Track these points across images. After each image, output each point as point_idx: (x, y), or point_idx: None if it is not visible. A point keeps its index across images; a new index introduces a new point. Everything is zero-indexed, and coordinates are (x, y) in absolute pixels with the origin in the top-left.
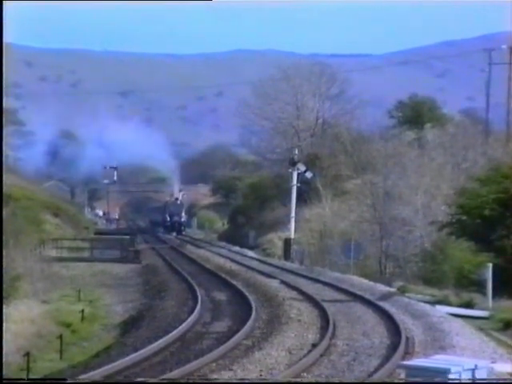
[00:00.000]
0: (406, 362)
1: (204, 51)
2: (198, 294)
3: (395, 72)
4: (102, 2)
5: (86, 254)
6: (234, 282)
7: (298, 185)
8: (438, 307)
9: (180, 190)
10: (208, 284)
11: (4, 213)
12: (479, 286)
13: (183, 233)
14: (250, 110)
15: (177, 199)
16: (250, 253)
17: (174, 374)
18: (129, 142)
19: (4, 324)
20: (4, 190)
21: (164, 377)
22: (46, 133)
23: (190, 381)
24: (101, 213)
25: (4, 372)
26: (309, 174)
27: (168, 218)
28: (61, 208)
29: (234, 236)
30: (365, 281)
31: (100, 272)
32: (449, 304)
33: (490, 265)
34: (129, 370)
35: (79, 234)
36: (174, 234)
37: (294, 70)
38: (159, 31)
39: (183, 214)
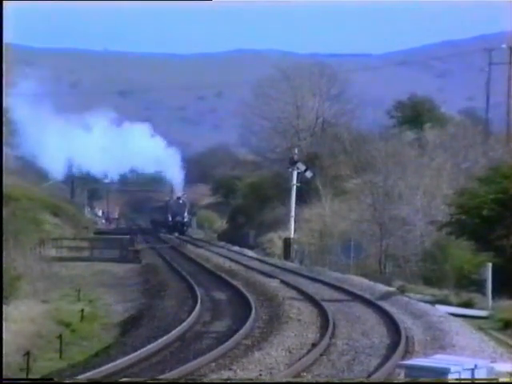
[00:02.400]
0: (405, 362)
1: (204, 51)
2: (198, 293)
3: (395, 72)
4: (102, 2)
5: (85, 254)
6: (234, 282)
7: (298, 184)
8: (438, 307)
9: (174, 192)
10: (208, 283)
11: (4, 213)
12: (479, 286)
13: (186, 233)
14: (249, 109)
15: (179, 198)
16: (250, 252)
17: (174, 373)
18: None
19: (4, 323)
20: (4, 190)
21: (164, 376)
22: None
23: (190, 381)
24: (100, 212)
25: (4, 372)
26: (309, 174)
27: (170, 218)
28: (60, 208)
29: (233, 235)
30: (365, 280)
31: (100, 272)
32: (448, 303)
33: (490, 264)
34: (128, 369)
35: (79, 234)
36: (177, 234)
37: (294, 70)
38: (159, 31)
39: (186, 213)
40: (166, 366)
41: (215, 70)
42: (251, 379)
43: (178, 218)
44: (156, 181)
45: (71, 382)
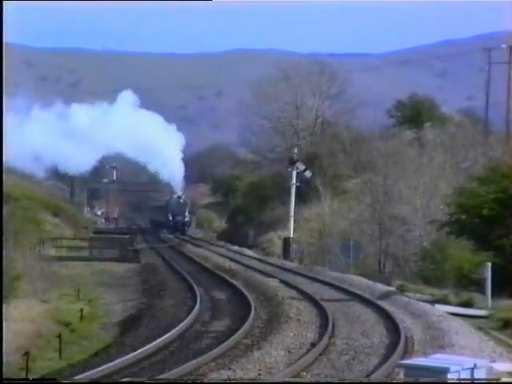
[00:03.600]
0: (405, 361)
1: (204, 51)
2: (197, 293)
3: (395, 71)
4: (102, 2)
5: (85, 254)
6: (233, 281)
7: (298, 184)
8: (438, 306)
9: (175, 191)
10: (207, 283)
11: (3, 212)
12: (478, 285)
13: (187, 233)
14: (249, 109)
15: (180, 198)
16: (250, 252)
17: (173, 373)
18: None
19: (4, 323)
20: (4, 190)
21: (163, 376)
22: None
23: (189, 380)
24: (99, 212)
25: (4, 371)
26: (308, 173)
27: (171, 218)
28: (60, 207)
29: (233, 235)
30: (364, 280)
31: (99, 271)
32: (448, 303)
33: (489, 264)
34: (128, 369)
35: (78, 234)
36: (178, 234)
37: (294, 70)
38: (159, 31)
39: (187, 213)
40: (166, 365)
41: (215, 69)
42: (251, 379)
43: (179, 218)
44: (156, 180)
45: (72, 381)
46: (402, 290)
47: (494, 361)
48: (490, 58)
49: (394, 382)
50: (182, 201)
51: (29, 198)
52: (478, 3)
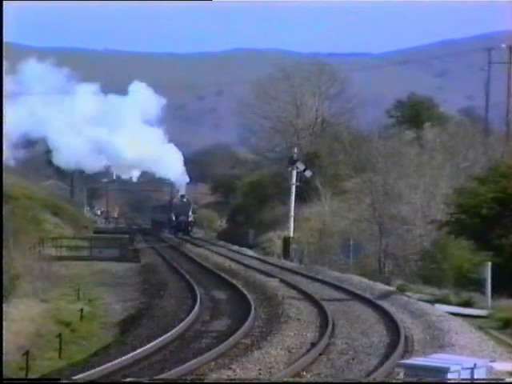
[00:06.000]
0: (404, 361)
1: (203, 50)
2: (197, 292)
3: (394, 71)
4: (103, 2)
5: (85, 253)
6: (233, 281)
7: (298, 184)
8: (437, 306)
9: (178, 190)
10: (207, 283)
11: (4, 212)
12: (478, 285)
13: (190, 233)
14: (249, 109)
15: (183, 197)
16: (250, 252)
17: (173, 372)
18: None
19: (4, 323)
20: (4, 190)
21: (163, 376)
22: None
23: (189, 380)
24: (99, 211)
25: (3, 371)
26: (308, 173)
27: (174, 218)
28: (60, 207)
29: (233, 235)
30: (364, 280)
31: (99, 271)
32: (448, 303)
33: (489, 264)
34: (128, 368)
35: (78, 233)
36: (181, 234)
37: (294, 69)
38: (159, 30)
39: (190, 213)
40: (166, 365)
41: (215, 68)
42: (251, 378)
43: (182, 218)
44: (157, 180)
45: (73, 381)
46: (401, 289)
47: (493, 360)
48: (489, 58)
49: (394, 381)
50: (185, 200)
51: (29, 197)
52: (477, 3)
